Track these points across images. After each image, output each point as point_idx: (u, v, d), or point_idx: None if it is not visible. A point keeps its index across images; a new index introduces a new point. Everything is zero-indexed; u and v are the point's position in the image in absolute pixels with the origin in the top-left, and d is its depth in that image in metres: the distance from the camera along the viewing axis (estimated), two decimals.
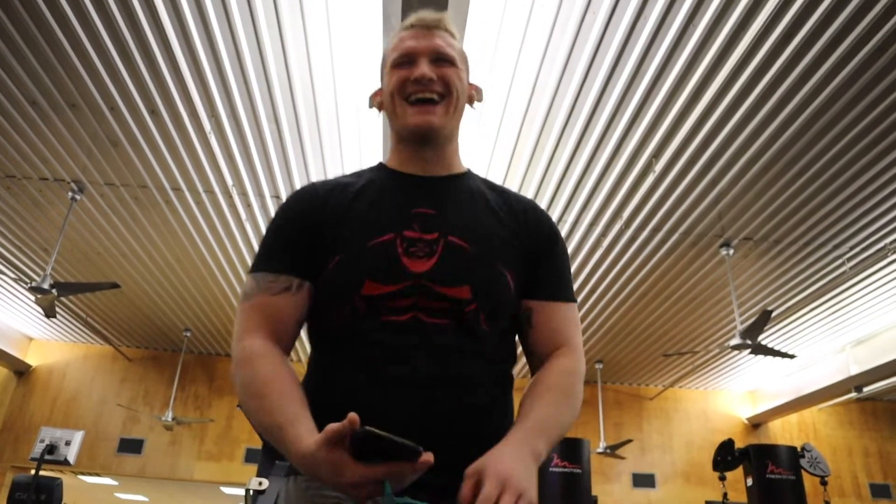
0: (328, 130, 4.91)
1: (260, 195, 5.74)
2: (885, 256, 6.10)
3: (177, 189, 5.70)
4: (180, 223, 6.26)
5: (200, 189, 5.68)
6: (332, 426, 0.85)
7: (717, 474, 6.07)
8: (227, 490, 10.02)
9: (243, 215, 6.06)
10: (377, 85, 1.37)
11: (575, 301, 1.28)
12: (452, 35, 1.31)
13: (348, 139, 4.98)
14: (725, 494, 5.92)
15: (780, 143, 4.71)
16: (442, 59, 1.25)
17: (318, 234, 1.17)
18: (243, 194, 5.74)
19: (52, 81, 4.49)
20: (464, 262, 1.14)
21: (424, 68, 1.22)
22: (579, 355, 1.22)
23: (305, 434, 0.92)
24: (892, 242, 5.92)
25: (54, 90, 4.57)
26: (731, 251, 6.12)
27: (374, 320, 1.10)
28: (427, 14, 1.30)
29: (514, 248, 1.21)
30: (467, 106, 1.32)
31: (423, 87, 1.21)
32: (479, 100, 1.34)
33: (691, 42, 3.93)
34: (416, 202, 1.19)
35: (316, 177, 5.43)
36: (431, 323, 1.09)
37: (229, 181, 5.55)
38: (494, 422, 1.12)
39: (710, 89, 4.29)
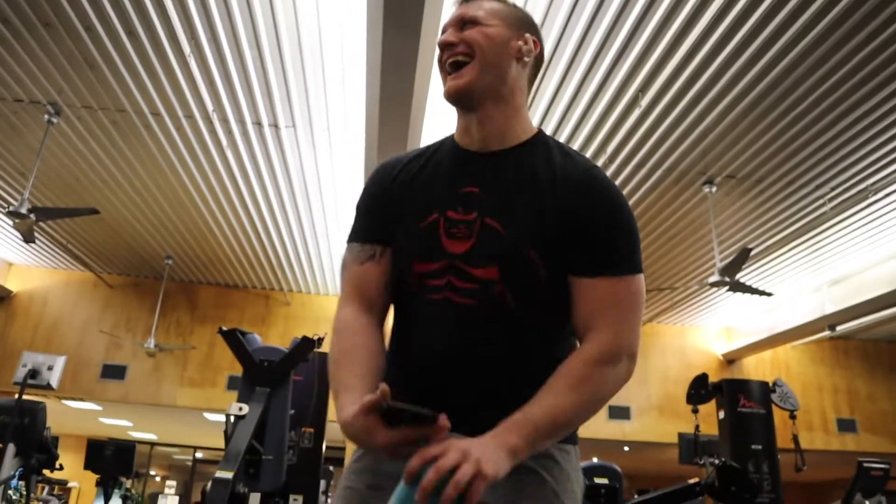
0: (311, 54, 4.78)
1: (241, 121, 5.64)
2: (866, 198, 6.14)
3: (156, 114, 5.58)
4: (160, 148, 6.15)
5: (180, 114, 5.57)
6: (367, 398, 0.98)
7: (690, 407, 6.21)
8: (209, 416, 10.16)
9: (224, 141, 5.96)
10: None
11: (631, 273, 1.16)
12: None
13: (331, 63, 4.87)
14: (697, 426, 6.06)
15: (766, 81, 4.67)
16: (466, 23, 1.25)
17: (389, 206, 1.27)
18: (224, 120, 5.63)
19: None
20: (496, 244, 1.16)
21: (446, 36, 1.24)
22: (613, 340, 1.13)
23: (350, 403, 1.03)
24: (873, 184, 5.96)
25: (26, 7, 4.41)
26: (714, 188, 6.13)
27: (419, 296, 1.21)
28: None
29: (556, 228, 1.15)
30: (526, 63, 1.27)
31: (448, 53, 1.24)
32: (529, 53, 1.26)
33: None
34: (462, 180, 1.23)
35: (298, 103, 5.34)
36: (459, 303, 1.17)
37: (210, 106, 5.44)
38: (514, 398, 1.08)
39: (698, 25, 4.21)
